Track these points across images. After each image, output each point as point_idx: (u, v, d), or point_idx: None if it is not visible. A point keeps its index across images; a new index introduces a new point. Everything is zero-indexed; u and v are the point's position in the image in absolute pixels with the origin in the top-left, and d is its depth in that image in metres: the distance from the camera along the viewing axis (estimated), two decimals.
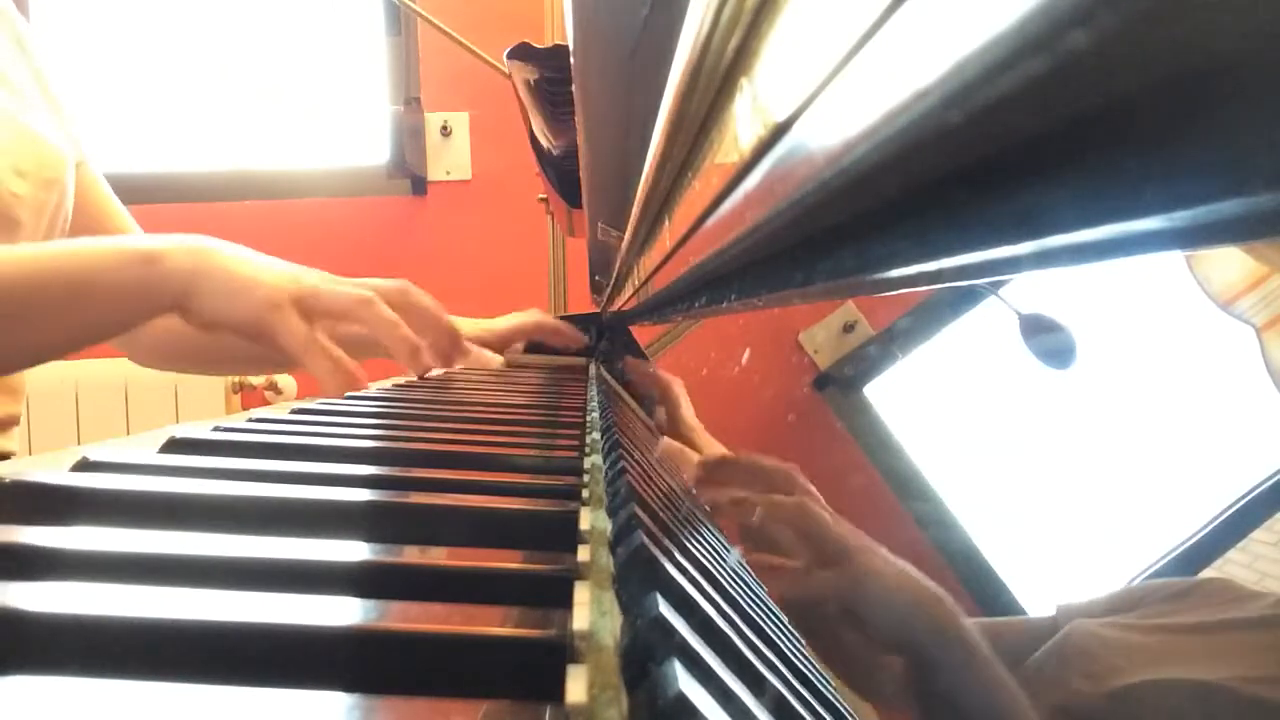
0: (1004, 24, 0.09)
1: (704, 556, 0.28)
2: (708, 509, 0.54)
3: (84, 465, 0.25)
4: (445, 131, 2.29)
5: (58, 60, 2.30)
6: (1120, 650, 0.50)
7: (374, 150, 2.33)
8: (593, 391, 0.66)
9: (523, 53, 1.17)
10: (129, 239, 0.65)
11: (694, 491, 0.58)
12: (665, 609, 0.16)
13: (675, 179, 0.33)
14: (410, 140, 2.26)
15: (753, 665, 0.18)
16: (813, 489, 0.61)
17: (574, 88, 0.70)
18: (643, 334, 1.13)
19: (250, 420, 0.37)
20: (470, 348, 0.77)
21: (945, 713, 0.49)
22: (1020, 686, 0.51)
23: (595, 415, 0.50)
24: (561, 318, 1.13)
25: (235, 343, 0.66)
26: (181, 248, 0.65)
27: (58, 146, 0.90)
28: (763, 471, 0.63)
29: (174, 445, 0.29)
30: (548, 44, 1.22)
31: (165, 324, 0.69)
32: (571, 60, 0.66)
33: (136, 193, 2.26)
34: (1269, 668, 0.45)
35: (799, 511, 0.57)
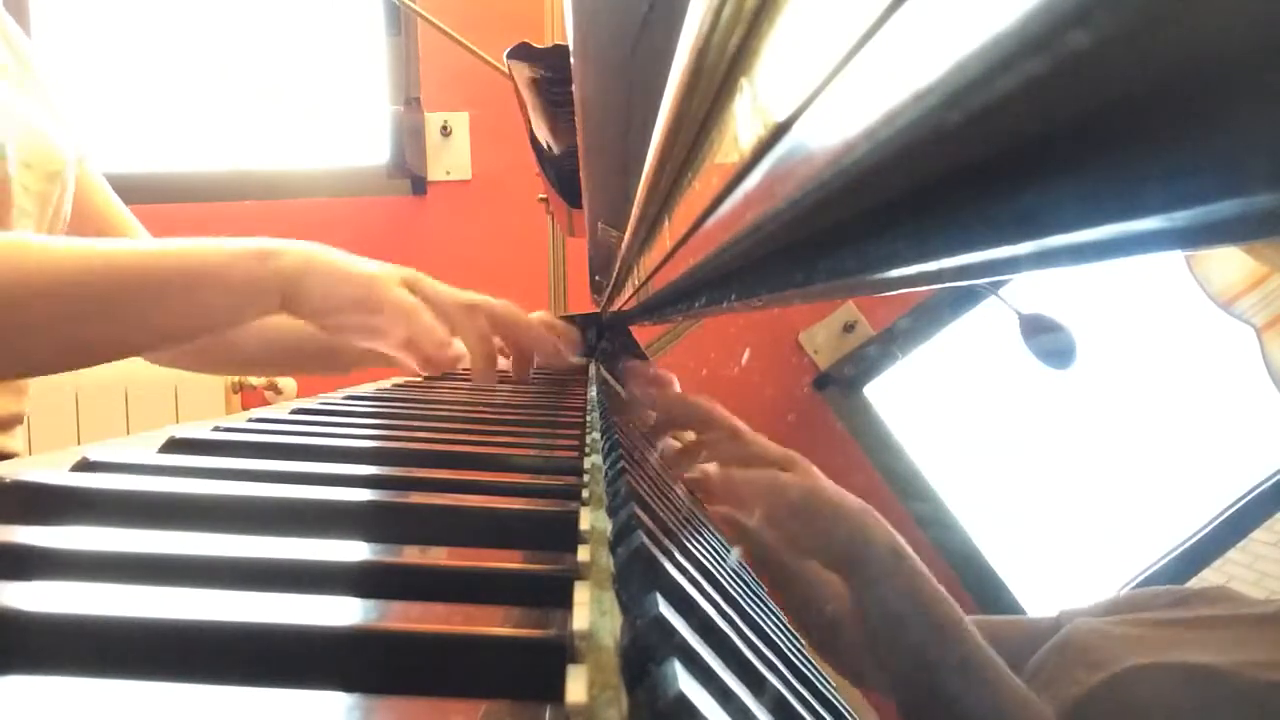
0: (1004, 24, 0.09)
1: (704, 556, 0.28)
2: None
3: (84, 465, 0.25)
4: (445, 131, 2.29)
5: (58, 60, 2.30)
6: (1120, 642, 0.50)
7: (374, 150, 2.33)
8: (593, 391, 0.66)
9: (523, 53, 1.17)
10: (241, 239, 0.67)
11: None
12: (665, 609, 0.16)
13: (675, 179, 0.33)
14: (410, 140, 2.26)
15: (753, 665, 0.18)
16: (736, 420, 0.62)
17: (574, 88, 0.70)
18: (643, 334, 1.13)
19: (250, 420, 0.37)
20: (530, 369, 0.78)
21: (885, 625, 0.50)
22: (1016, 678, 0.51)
23: (595, 415, 0.50)
24: (561, 318, 1.13)
25: (321, 339, 0.67)
26: (292, 247, 0.67)
27: (58, 143, 0.91)
28: (685, 409, 0.64)
29: (174, 445, 0.29)
30: (548, 44, 1.22)
31: (258, 324, 0.71)
32: (571, 60, 0.66)
33: (137, 193, 2.26)
34: (1266, 654, 0.46)
35: (735, 436, 0.58)
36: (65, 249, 0.63)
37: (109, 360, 0.68)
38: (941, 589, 0.52)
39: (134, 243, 0.66)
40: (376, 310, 0.64)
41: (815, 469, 0.56)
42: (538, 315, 0.83)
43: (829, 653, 0.56)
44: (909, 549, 0.52)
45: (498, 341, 0.70)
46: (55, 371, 0.68)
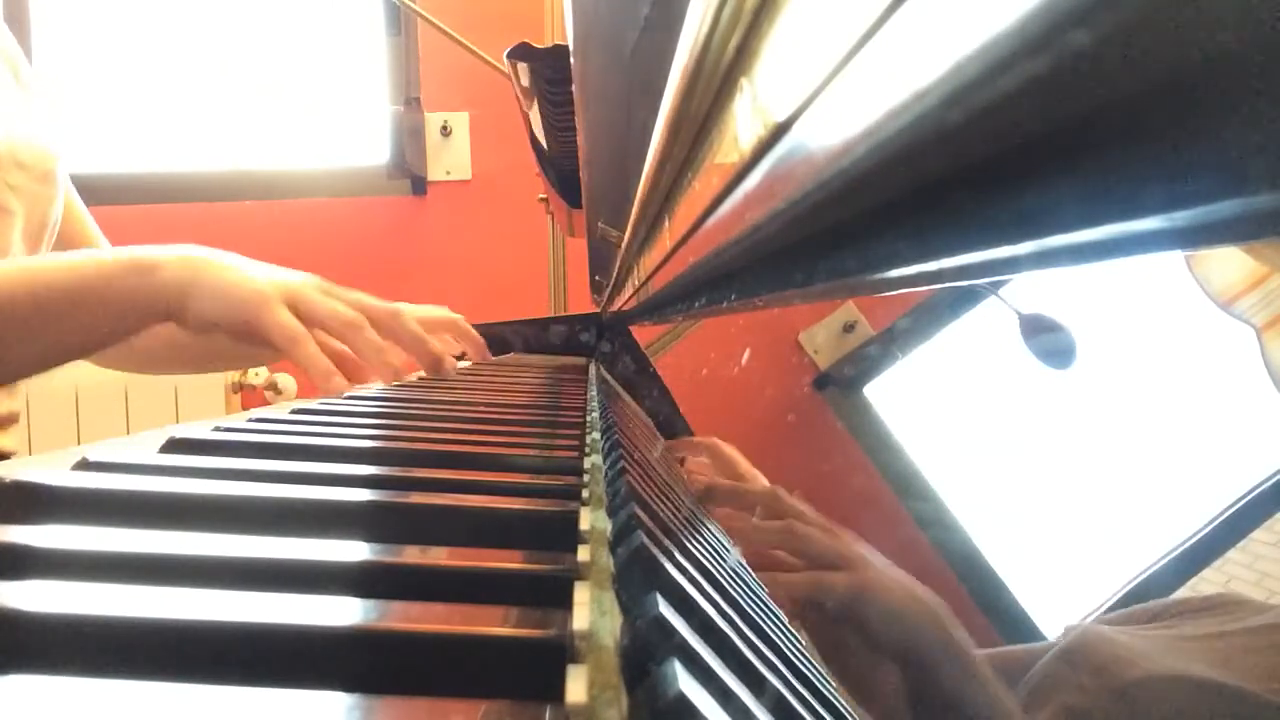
0: (1004, 24, 0.09)
1: (704, 556, 0.28)
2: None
3: (84, 465, 0.25)
4: (445, 131, 2.29)
5: (58, 60, 2.30)
6: (1130, 650, 0.50)
7: (374, 150, 2.33)
8: (593, 391, 0.66)
9: (523, 53, 1.17)
10: (121, 250, 0.67)
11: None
12: (665, 609, 0.16)
13: (675, 179, 0.33)
14: (410, 140, 2.26)
15: (753, 665, 0.18)
16: (800, 506, 0.61)
17: (574, 88, 0.70)
18: (643, 334, 1.13)
19: (250, 420, 0.37)
20: (453, 365, 0.78)
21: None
22: (1026, 691, 0.51)
23: (595, 415, 0.50)
24: (561, 318, 1.13)
25: (221, 343, 0.67)
26: (175, 257, 0.67)
27: (51, 147, 0.91)
28: (748, 497, 0.63)
29: (174, 445, 0.29)
30: (548, 44, 1.22)
31: (153, 331, 0.70)
32: (571, 60, 0.66)
33: (137, 193, 2.26)
34: (1273, 668, 0.45)
35: (787, 534, 0.57)
36: None
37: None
38: (1000, 685, 0.51)
39: (12, 263, 0.65)
40: (261, 332, 0.64)
41: (869, 557, 0.56)
42: (433, 315, 0.82)
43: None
44: (963, 639, 0.52)
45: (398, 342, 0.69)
46: None
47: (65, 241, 0.97)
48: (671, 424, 1.04)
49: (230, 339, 0.66)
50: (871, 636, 0.52)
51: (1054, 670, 0.52)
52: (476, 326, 0.89)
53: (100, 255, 0.66)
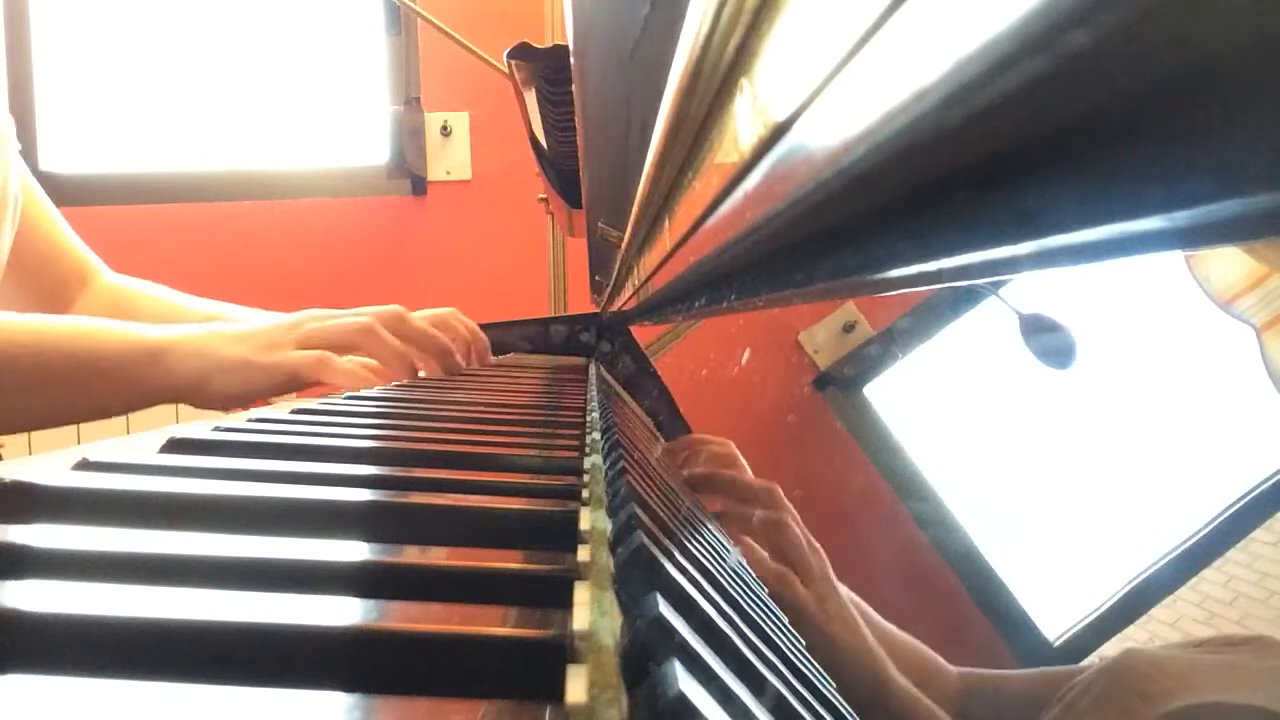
0: (1004, 24, 0.09)
1: (704, 556, 0.28)
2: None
3: (84, 465, 0.25)
4: (445, 131, 2.29)
5: (58, 60, 2.30)
6: (1178, 673, 0.50)
7: (374, 150, 2.33)
8: (593, 391, 0.66)
9: (523, 53, 1.17)
10: (134, 328, 0.68)
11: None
12: (665, 609, 0.16)
13: (675, 179, 0.33)
14: (410, 140, 2.26)
15: (753, 665, 0.18)
16: (791, 508, 0.62)
17: (574, 88, 0.70)
18: (643, 334, 1.13)
19: (250, 420, 0.37)
20: (460, 361, 0.79)
21: None
22: (1063, 707, 0.51)
23: (595, 415, 0.50)
24: (561, 318, 1.13)
25: None
26: (183, 340, 0.68)
27: None
28: (745, 489, 0.64)
29: (174, 445, 0.29)
30: (548, 44, 1.22)
31: None
32: (571, 60, 0.66)
33: (137, 193, 2.26)
34: None
35: (775, 525, 0.58)
36: None
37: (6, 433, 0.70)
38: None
39: (24, 326, 0.66)
40: (289, 379, 0.66)
41: (835, 585, 0.56)
42: (439, 314, 0.83)
43: None
44: (902, 686, 0.52)
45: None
46: None
47: (26, 228, 0.97)
48: (671, 424, 1.04)
49: (250, 405, 0.67)
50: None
51: (1099, 689, 0.52)
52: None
53: (110, 329, 0.67)
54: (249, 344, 0.67)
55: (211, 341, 0.68)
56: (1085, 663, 0.61)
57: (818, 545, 0.59)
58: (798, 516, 0.61)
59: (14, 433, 0.75)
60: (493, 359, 0.92)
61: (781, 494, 0.63)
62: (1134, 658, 0.54)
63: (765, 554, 0.58)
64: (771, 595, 0.51)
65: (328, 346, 0.68)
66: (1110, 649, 0.61)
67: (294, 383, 0.67)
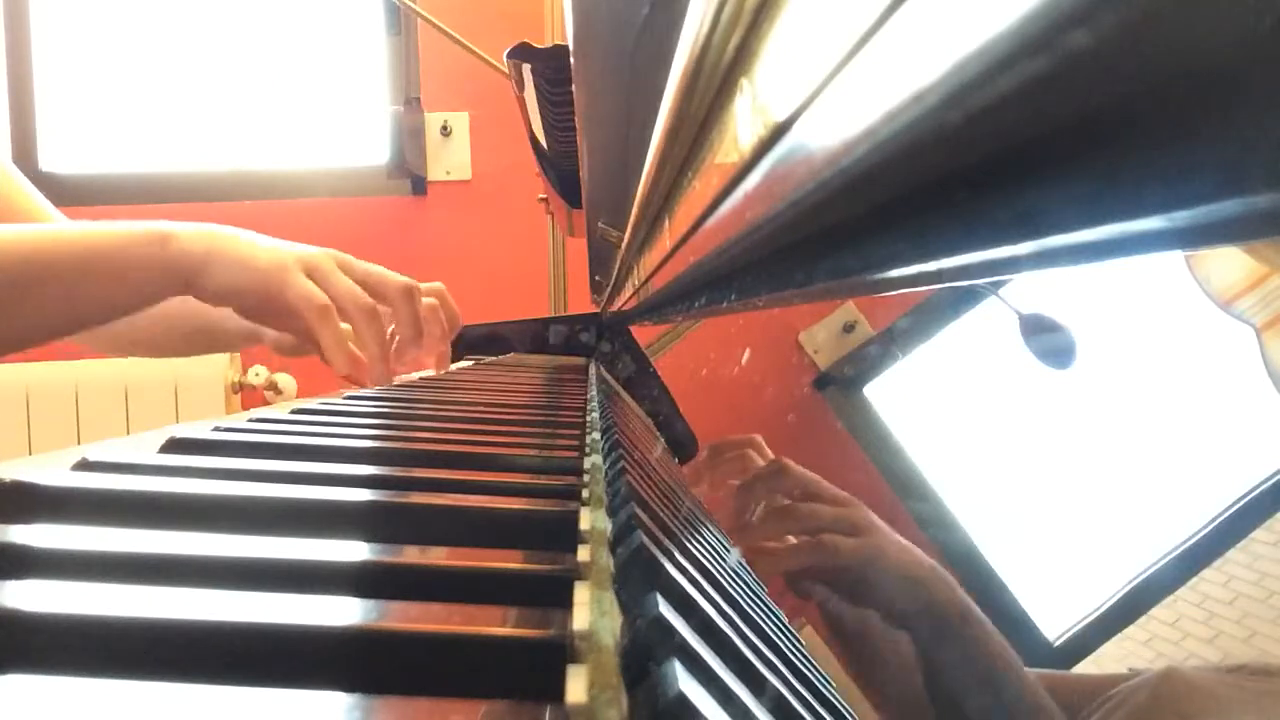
0: (1004, 24, 0.09)
1: (704, 556, 0.28)
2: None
3: (84, 465, 0.25)
4: (445, 131, 2.29)
5: (58, 60, 2.30)
6: (1218, 699, 0.50)
7: (374, 150, 2.33)
8: (593, 391, 0.66)
9: (523, 53, 1.17)
10: (134, 223, 0.66)
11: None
12: (665, 609, 0.16)
13: (675, 179, 0.33)
14: (410, 140, 2.26)
15: (753, 665, 0.18)
16: (808, 474, 0.61)
17: (574, 88, 0.70)
18: (643, 334, 1.13)
19: (250, 420, 0.37)
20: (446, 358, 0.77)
21: (952, 685, 0.50)
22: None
23: (595, 415, 0.50)
24: (561, 318, 1.13)
25: (219, 319, 0.66)
26: (191, 228, 0.66)
27: None
28: (758, 481, 0.64)
29: (174, 445, 0.29)
30: (548, 44, 1.22)
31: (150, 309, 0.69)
32: (571, 60, 0.66)
33: (137, 193, 2.26)
34: None
35: (798, 499, 0.58)
36: None
37: (6, 351, 0.67)
38: (1003, 645, 0.52)
39: (20, 227, 0.64)
40: (281, 300, 0.63)
41: (879, 525, 0.56)
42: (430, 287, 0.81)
43: (878, 694, 0.56)
44: (976, 611, 0.52)
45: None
46: None
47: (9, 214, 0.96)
48: (671, 424, 1.04)
49: (241, 312, 0.65)
50: (884, 601, 0.53)
51: (1135, 705, 0.52)
52: (476, 326, 0.89)
53: (114, 225, 0.65)
54: (256, 248, 0.65)
55: (219, 234, 0.66)
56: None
57: (847, 498, 0.59)
58: (813, 478, 0.61)
59: (22, 349, 0.72)
60: (493, 359, 0.92)
61: (792, 466, 0.62)
62: (1175, 678, 0.53)
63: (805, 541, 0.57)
64: (829, 569, 0.51)
65: (332, 296, 0.65)
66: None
67: (283, 305, 0.63)
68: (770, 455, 0.67)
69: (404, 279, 0.71)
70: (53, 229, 0.65)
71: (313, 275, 0.65)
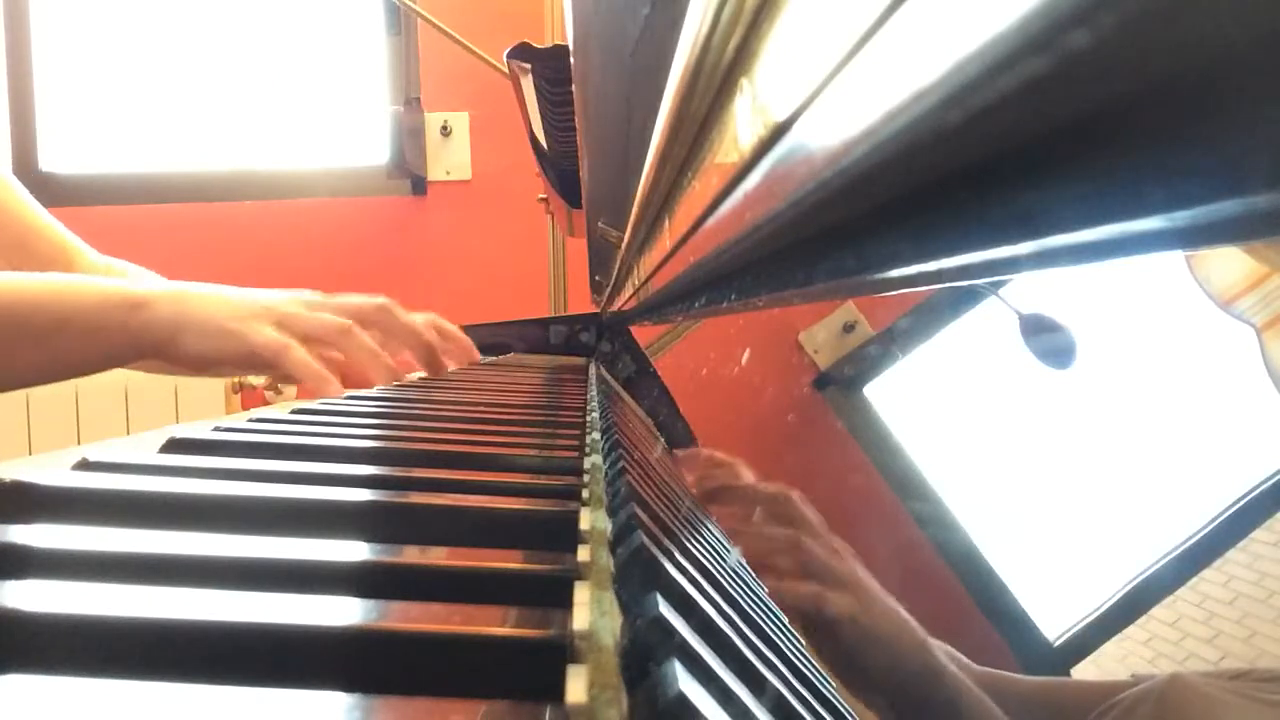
0: (1004, 24, 0.09)
1: (704, 556, 0.28)
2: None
3: (84, 465, 0.25)
4: (445, 131, 2.29)
5: (58, 60, 2.30)
6: (1224, 707, 0.50)
7: (374, 150, 2.33)
8: (593, 391, 0.66)
9: (523, 53, 1.17)
10: (111, 282, 0.67)
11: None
12: (665, 609, 0.16)
13: (675, 179, 0.33)
14: (410, 140, 2.26)
15: (753, 665, 0.18)
16: (809, 513, 0.61)
17: (574, 88, 0.70)
18: (643, 334, 1.13)
19: (250, 420, 0.37)
20: (447, 361, 0.78)
21: None
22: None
23: (595, 415, 0.50)
24: (561, 318, 1.13)
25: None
26: (164, 294, 0.67)
27: None
28: (759, 496, 0.63)
29: (174, 445, 0.29)
30: (548, 44, 1.22)
31: None
32: (571, 60, 0.66)
33: (137, 193, 2.26)
34: None
35: (793, 545, 0.58)
36: None
37: None
38: (987, 702, 0.51)
39: (5, 281, 0.65)
40: (250, 355, 0.65)
41: (867, 582, 0.56)
42: (423, 318, 0.82)
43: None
44: (950, 669, 0.52)
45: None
46: None
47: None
48: (671, 424, 1.04)
49: (218, 373, 0.67)
50: (857, 662, 0.52)
51: (1139, 711, 0.52)
52: (476, 326, 0.89)
53: (86, 283, 0.67)
54: (226, 309, 0.66)
55: (189, 298, 0.67)
56: (1118, 679, 0.60)
57: (840, 545, 0.59)
58: (817, 518, 0.61)
59: None
60: (493, 359, 0.92)
61: (797, 500, 0.62)
62: (1181, 686, 0.53)
63: (795, 580, 0.57)
64: (810, 617, 0.51)
65: (303, 337, 0.67)
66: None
67: (253, 359, 0.65)
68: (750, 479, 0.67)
69: (377, 299, 0.72)
70: (27, 279, 0.66)
71: (279, 321, 0.67)
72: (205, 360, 0.66)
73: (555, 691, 0.14)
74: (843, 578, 0.57)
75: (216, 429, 0.33)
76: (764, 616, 0.27)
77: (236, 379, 2.09)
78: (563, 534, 0.22)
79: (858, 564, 0.57)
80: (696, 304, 0.48)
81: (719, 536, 0.42)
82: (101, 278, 0.68)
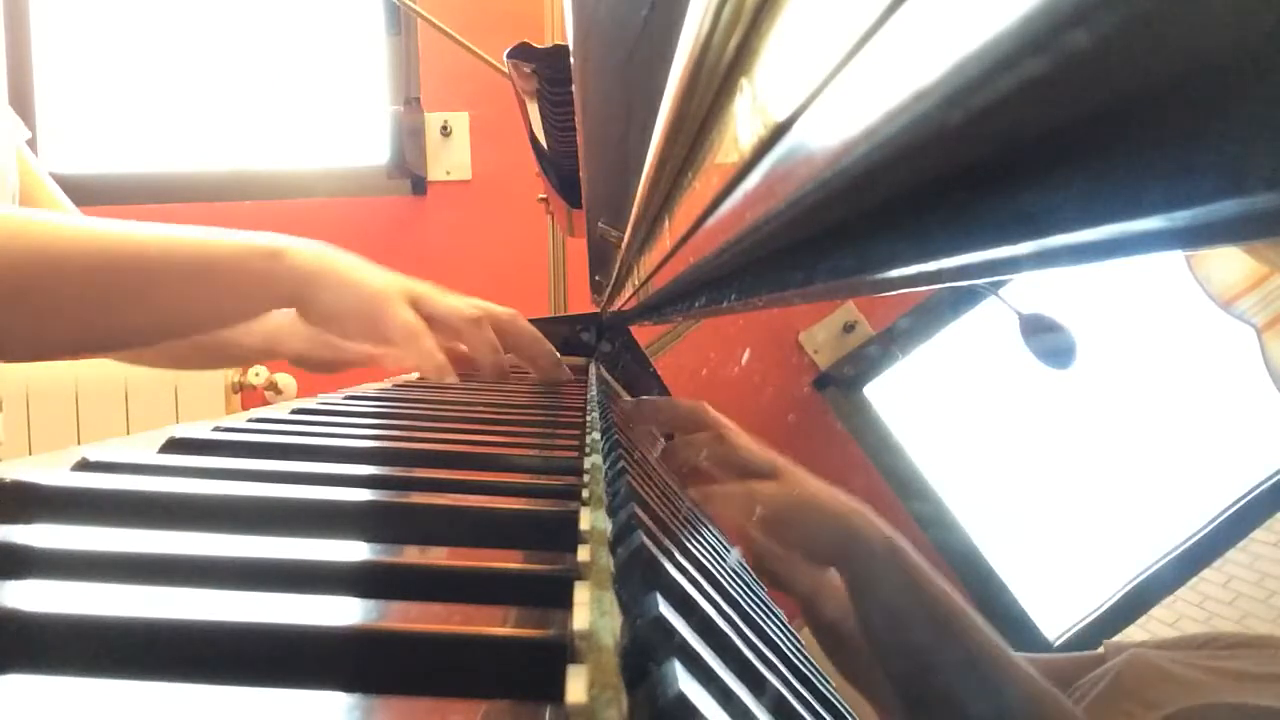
0: (1004, 24, 0.09)
1: (704, 556, 0.28)
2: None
3: (84, 465, 0.25)
4: (445, 131, 2.29)
5: (58, 59, 2.30)
6: (1177, 682, 0.50)
7: (374, 150, 2.33)
8: (593, 391, 0.66)
9: (523, 53, 1.17)
10: (240, 233, 0.67)
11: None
12: (665, 609, 0.16)
13: (675, 179, 0.33)
14: (410, 140, 2.26)
15: (753, 665, 0.18)
16: (724, 419, 0.62)
17: (574, 88, 0.70)
18: (643, 334, 1.13)
19: (250, 420, 0.37)
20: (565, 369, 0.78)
21: (885, 624, 0.50)
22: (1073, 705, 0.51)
23: (595, 415, 0.50)
24: (560, 318, 1.13)
25: (244, 337, 0.67)
26: (302, 247, 0.67)
27: None
28: (675, 411, 0.65)
29: (174, 445, 0.29)
30: (548, 44, 1.22)
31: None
32: (571, 60, 0.66)
33: (137, 193, 2.26)
34: None
35: (715, 442, 0.59)
36: (83, 231, 0.62)
37: (112, 349, 0.67)
38: (942, 584, 0.52)
39: (145, 228, 0.65)
40: (382, 327, 0.65)
41: (802, 473, 0.56)
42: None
43: (836, 661, 0.56)
44: (906, 545, 0.52)
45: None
46: (65, 357, 0.68)
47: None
48: None
49: (340, 334, 0.66)
50: (799, 543, 0.53)
51: (1098, 687, 0.52)
52: None
53: (224, 235, 0.66)
54: (367, 276, 0.67)
55: (329, 256, 0.67)
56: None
57: (761, 444, 0.59)
58: (729, 424, 0.62)
59: (126, 347, 0.71)
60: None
61: (709, 409, 0.63)
62: (1135, 662, 0.54)
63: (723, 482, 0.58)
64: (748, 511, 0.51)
65: (434, 318, 0.67)
66: (1117, 639, 0.61)
67: (384, 333, 0.65)
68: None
69: (506, 309, 0.73)
70: (169, 229, 0.66)
71: (416, 302, 0.67)
72: (334, 318, 0.66)
73: (555, 691, 0.14)
74: (773, 466, 0.57)
75: (216, 429, 0.33)
76: (764, 616, 0.27)
77: (236, 379, 2.09)
78: (563, 534, 0.22)
79: (781, 455, 0.58)
80: (696, 304, 0.48)
81: (719, 536, 0.42)
82: (234, 231, 0.68)
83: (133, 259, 0.62)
